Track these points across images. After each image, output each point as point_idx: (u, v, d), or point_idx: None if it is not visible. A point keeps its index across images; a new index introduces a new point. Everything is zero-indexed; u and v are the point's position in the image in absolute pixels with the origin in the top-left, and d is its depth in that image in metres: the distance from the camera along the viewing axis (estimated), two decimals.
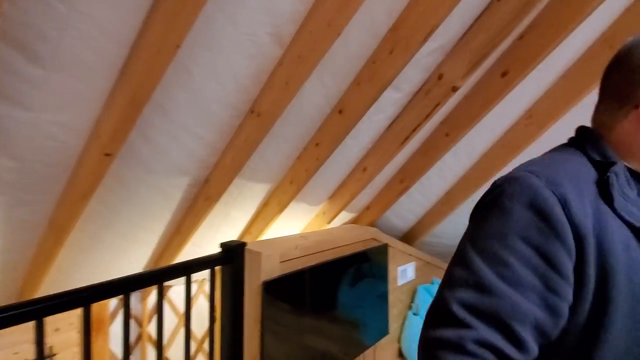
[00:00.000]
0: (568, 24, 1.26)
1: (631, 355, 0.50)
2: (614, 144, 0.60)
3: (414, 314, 2.78)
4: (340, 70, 1.39)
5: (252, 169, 1.69)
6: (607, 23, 1.43)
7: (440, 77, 1.45)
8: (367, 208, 2.61)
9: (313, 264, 1.69)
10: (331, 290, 1.83)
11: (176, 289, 2.39)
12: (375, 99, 1.42)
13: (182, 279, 1.24)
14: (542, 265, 0.50)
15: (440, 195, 2.49)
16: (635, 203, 0.56)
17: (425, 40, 1.18)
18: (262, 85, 1.32)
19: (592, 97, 1.74)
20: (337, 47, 1.22)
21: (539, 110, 1.78)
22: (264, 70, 1.26)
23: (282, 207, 2.01)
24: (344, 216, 2.59)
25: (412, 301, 2.88)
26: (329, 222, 2.49)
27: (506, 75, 1.47)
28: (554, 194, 0.51)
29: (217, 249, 1.39)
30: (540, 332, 0.49)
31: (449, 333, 0.48)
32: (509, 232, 0.51)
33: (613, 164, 0.56)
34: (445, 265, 3.29)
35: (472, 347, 0.47)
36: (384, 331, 2.32)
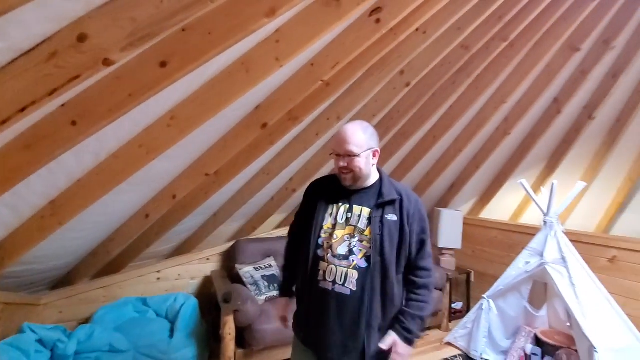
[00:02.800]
0: (230, 35, 1.28)
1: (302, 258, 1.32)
2: None
3: None
4: None
5: None
6: (246, 49, 1.62)
7: (81, 38, 0.96)
8: None
9: None
10: None
11: None
12: None
13: None
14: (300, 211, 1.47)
15: (41, 205, 1.74)
16: (328, 190, 1.36)
17: None
18: None
19: (228, 110, 1.95)
20: None
21: (181, 114, 1.71)
22: None
23: None
24: None
25: None
26: None
27: (166, 66, 1.24)
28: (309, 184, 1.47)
29: None
30: (296, 228, 1.47)
31: None
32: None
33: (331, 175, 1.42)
34: (35, 300, 2.40)
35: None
36: None
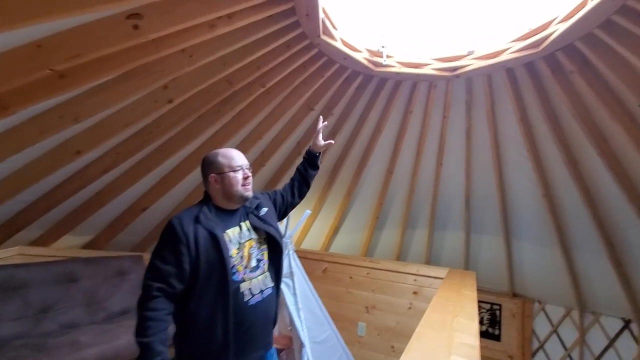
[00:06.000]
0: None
1: (211, 299, 1.29)
2: (211, 196, 1.45)
3: None
4: None
5: None
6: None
7: None
8: None
9: None
10: None
11: None
12: None
13: None
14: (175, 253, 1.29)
15: None
16: (214, 220, 1.37)
17: None
18: None
19: None
20: None
21: None
22: None
23: None
24: None
25: None
26: None
27: None
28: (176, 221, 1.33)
29: None
30: (177, 280, 1.27)
31: (144, 291, 1.26)
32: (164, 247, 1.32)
33: (201, 205, 1.42)
34: None
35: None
36: None
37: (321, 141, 1.81)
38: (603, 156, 2.76)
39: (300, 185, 1.81)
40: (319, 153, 1.85)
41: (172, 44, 1.85)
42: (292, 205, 1.79)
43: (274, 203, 1.68)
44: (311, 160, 1.83)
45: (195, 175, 3.21)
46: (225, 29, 1.96)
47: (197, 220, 1.34)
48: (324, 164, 4.07)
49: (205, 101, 2.53)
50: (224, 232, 1.36)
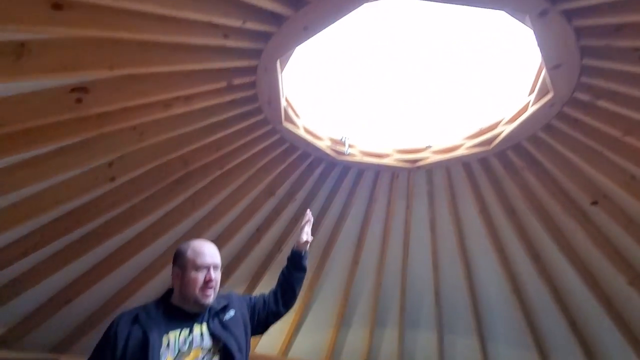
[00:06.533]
0: None
1: None
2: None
3: None
4: None
5: None
6: None
7: None
8: None
9: None
10: None
11: None
12: None
13: None
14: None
15: None
16: (155, 319, 1.18)
17: None
18: None
19: None
20: None
21: None
22: None
23: None
24: None
25: None
26: None
27: None
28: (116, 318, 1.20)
29: None
30: None
31: None
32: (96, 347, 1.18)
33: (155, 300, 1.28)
34: None
35: None
36: None
37: (302, 237, 1.56)
38: (563, 251, 2.74)
39: (284, 292, 1.51)
40: (304, 252, 1.57)
41: (119, 120, 1.75)
42: (275, 315, 1.49)
43: (252, 309, 1.42)
44: (294, 261, 1.55)
45: (134, 263, 2.84)
46: (181, 109, 1.92)
47: (136, 318, 1.18)
48: (285, 252, 3.80)
49: (155, 180, 2.35)
50: (165, 334, 1.16)
